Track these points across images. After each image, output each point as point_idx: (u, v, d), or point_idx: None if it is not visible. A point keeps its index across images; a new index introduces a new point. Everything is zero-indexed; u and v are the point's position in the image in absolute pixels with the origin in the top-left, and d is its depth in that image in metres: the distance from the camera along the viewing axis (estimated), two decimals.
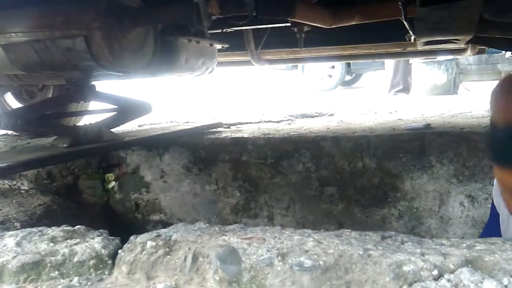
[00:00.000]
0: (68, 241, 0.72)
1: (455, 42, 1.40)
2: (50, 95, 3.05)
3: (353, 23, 1.82)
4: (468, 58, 5.21)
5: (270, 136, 2.15)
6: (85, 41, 1.36)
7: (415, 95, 5.17)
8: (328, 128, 2.23)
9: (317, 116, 2.92)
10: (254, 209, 2.12)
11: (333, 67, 7.47)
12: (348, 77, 8.65)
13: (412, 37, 1.67)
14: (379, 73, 7.78)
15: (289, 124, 2.55)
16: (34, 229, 0.76)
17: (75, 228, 0.77)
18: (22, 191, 2.09)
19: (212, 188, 2.16)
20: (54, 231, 0.75)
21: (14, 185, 2.12)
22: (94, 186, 2.23)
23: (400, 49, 2.50)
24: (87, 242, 0.71)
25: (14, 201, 1.95)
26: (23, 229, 0.77)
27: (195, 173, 2.16)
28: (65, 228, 0.77)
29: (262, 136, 2.16)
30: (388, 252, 0.58)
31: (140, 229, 2.25)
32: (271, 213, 2.11)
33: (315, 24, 1.74)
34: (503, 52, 4.22)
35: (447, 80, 4.98)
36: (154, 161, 2.19)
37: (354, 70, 8.63)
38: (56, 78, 1.99)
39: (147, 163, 2.20)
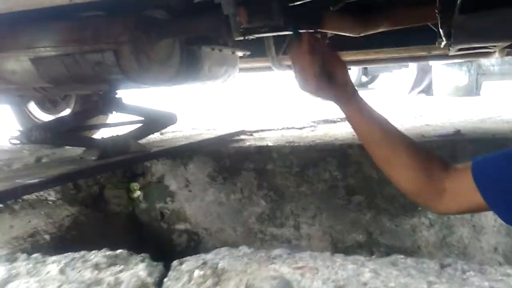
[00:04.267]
0: (112, 268, 0.71)
1: (491, 48, 1.36)
2: (73, 104, 3.09)
3: (381, 30, 1.79)
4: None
5: (295, 144, 2.12)
6: (114, 55, 1.36)
7: (437, 96, 5.08)
8: (353, 135, 2.19)
9: (339, 121, 2.88)
10: (279, 218, 2.10)
11: (349, 68, 7.38)
12: (364, 78, 8.56)
13: (443, 43, 1.62)
14: (396, 74, 7.66)
15: (312, 131, 2.52)
16: (77, 254, 0.75)
17: (117, 252, 0.76)
18: (50, 202, 2.10)
19: (237, 197, 2.14)
20: (97, 257, 0.74)
21: (41, 195, 2.14)
22: (119, 195, 2.23)
23: (424, 53, 2.44)
24: (131, 269, 0.70)
25: (42, 213, 1.97)
26: (66, 254, 0.76)
27: (220, 182, 2.15)
28: (108, 253, 0.75)
29: (287, 144, 2.13)
30: (454, 286, 0.54)
31: (165, 239, 2.25)
32: (297, 222, 2.08)
33: (342, 33, 1.71)
34: None
35: (469, 81, 4.87)
36: (178, 170, 2.18)
37: (370, 71, 8.52)
38: (82, 89, 2.00)
39: (171, 173, 2.19)
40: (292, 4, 1.42)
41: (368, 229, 2.01)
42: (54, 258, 0.75)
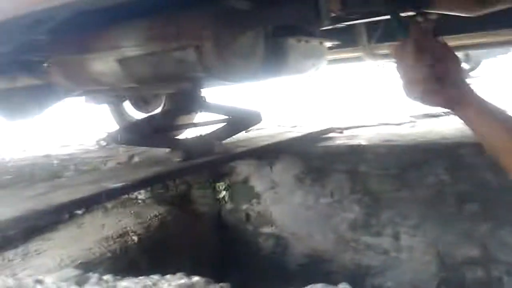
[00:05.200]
0: None
1: None
2: (162, 102, 3.15)
3: (500, 7, 1.48)
4: None
5: (393, 143, 1.89)
6: (195, 52, 1.28)
7: None
8: (463, 133, 1.89)
9: (443, 115, 2.54)
10: (375, 226, 1.88)
11: None
12: (465, 66, 7.72)
13: None
14: (501, 59, 6.75)
15: (412, 127, 2.24)
16: (149, 281, 0.66)
17: (193, 281, 0.65)
18: (139, 201, 2.13)
19: (326, 201, 1.97)
20: (170, 286, 0.63)
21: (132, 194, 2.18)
22: (205, 195, 2.19)
23: None
24: None
25: (132, 212, 1.99)
26: (137, 280, 0.67)
27: (308, 184, 1.99)
28: (182, 281, 0.65)
29: (383, 143, 1.91)
30: None
31: (251, 242, 2.17)
32: (396, 231, 1.84)
33: (455, 14, 1.44)
34: None
35: None
36: (264, 171, 2.07)
37: (473, 57, 7.67)
38: (166, 88, 1.98)
39: (257, 173, 2.09)
40: None
41: (484, 243, 1.71)
42: (125, 284, 0.66)
